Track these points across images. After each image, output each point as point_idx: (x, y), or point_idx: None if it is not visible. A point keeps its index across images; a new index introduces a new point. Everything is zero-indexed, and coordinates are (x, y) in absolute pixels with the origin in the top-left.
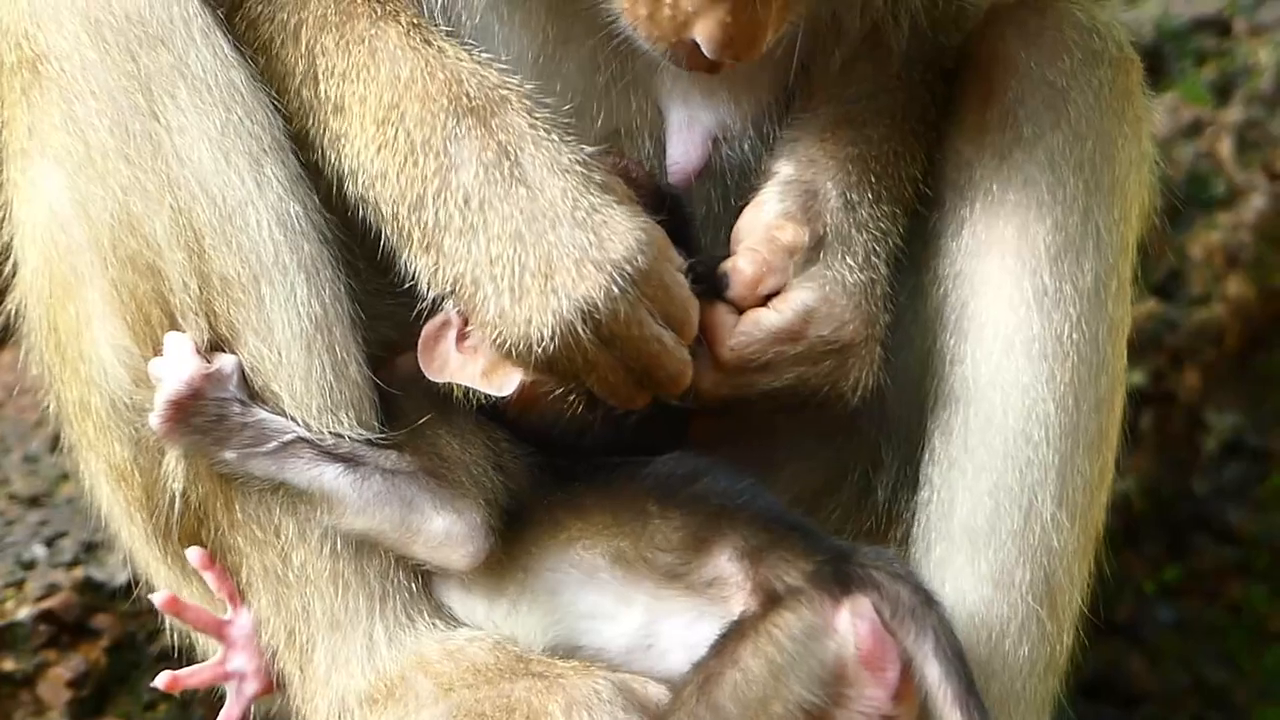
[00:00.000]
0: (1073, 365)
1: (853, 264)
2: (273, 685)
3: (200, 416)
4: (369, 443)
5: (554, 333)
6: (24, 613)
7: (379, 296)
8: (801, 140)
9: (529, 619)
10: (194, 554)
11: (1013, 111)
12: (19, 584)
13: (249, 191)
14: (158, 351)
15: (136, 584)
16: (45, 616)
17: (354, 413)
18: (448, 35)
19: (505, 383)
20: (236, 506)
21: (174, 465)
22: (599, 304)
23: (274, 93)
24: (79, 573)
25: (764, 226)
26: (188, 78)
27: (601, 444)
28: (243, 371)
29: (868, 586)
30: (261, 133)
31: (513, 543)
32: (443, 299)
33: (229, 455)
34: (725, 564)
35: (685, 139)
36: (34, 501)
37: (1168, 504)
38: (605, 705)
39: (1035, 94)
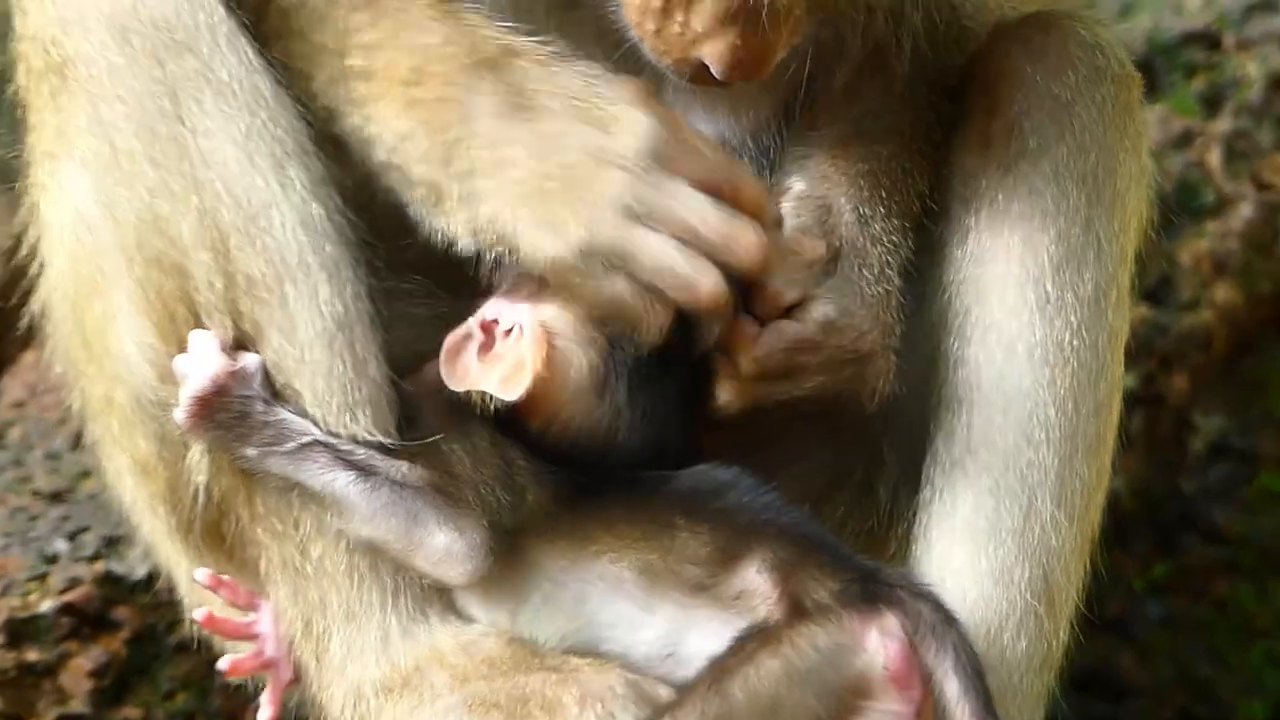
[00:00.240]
0: (1073, 371)
1: (869, 276)
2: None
3: (224, 413)
4: (384, 449)
5: (589, 225)
6: (47, 605)
7: (397, 298)
8: (812, 157)
9: (549, 626)
10: (202, 574)
11: (1018, 124)
12: (42, 577)
13: (273, 193)
14: (182, 348)
15: (157, 577)
16: (67, 609)
17: (372, 410)
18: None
19: (520, 384)
20: (258, 500)
21: (198, 459)
22: (624, 185)
23: (300, 83)
24: (100, 567)
25: (783, 240)
26: (213, 83)
27: (622, 455)
28: (265, 371)
29: (894, 605)
30: (285, 137)
31: (537, 554)
32: (486, 252)
33: (250, 452)
34: (754, 577)
35: None
36: (56, 497)
37: (1157, 504)
38: (619, 700)
39: (1040, 107)
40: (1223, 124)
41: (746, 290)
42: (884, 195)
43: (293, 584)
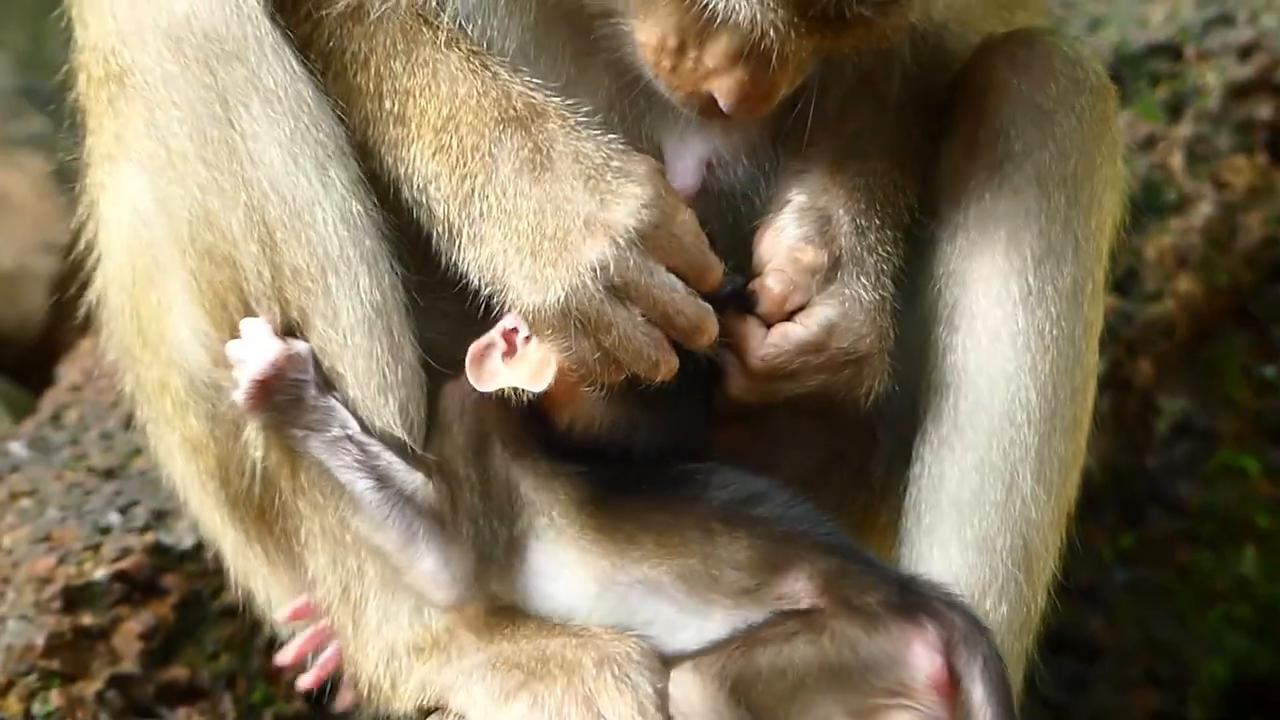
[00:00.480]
0: (1052, 358)
1: (866, 283)
2: None
3: (281, 395)
4: (406, 455)
5: (569, 288)
6: (100, 573)
7: (428, 291)
8: (811, 171)
9: (588, 620)
10: (283, 613)
11: (1004, 131)
12: (96, 547)
13: (316, 191)
14: (234, 335)
15: (202, 547)
16: (119, 576)
17: (405, 392)
18: (501, 62)
19: (547, 375)
20: (301, 475)
21: (254, 436)
22: (608, 259)
23: (340, 108)
24: (150, 537)
25: (786, 249)
26: (260, 90)
27: (641, 446)
28: (315, 357)
29: (933, 616)
30: (326, 140)
31: (585, 556)
32: (489, 293)
33: (297, 432)
34: (798, 585)
35: (681, 163)
36: (110, 474)
37: (1124, 479)
38: (635, 664)
39: (1025, 115)
40: (1184, 129)
41: (753, 295)
42: (878, 207)
43: (332, 553)
